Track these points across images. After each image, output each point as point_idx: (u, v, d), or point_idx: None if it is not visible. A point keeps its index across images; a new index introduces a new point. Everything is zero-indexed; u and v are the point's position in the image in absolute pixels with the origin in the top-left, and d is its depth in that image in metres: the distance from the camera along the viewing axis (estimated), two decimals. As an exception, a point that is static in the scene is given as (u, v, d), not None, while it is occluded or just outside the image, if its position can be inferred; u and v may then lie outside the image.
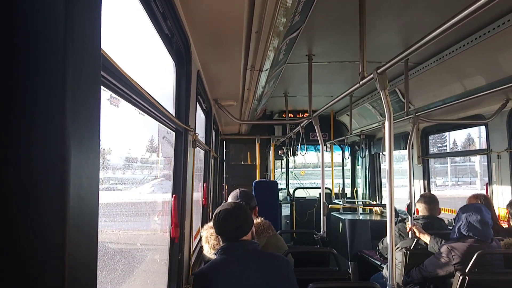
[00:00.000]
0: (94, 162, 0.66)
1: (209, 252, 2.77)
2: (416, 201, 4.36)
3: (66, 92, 0.56)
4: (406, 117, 4.56)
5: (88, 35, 0.63)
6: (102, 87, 0.91)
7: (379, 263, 5.20)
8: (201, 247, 2.95)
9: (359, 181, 9.05)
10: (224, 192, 7.96)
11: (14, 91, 0.54)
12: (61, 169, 0.56)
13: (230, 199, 3.06)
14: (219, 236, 2.48)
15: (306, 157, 9.10)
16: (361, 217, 6.64)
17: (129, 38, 1.74)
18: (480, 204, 3.34)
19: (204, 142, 4.11)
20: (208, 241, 2.80)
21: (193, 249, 3.04)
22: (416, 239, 3.76)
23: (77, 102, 0.59)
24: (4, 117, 0.53)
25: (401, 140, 6.45)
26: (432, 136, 6.16)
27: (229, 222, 2.35)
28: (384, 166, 7.78)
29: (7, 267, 0.53)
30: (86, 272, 0.64)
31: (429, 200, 4.17)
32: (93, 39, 0.66)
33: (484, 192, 4.58)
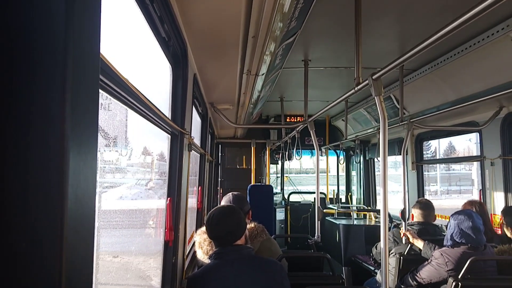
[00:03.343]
0: (91, 164, 0.67)
1: (202, 257, 2.75)
2: (411, 207, 4.38)
3: (65, 95, 0.57)
4: (400, 123, 4.59)
5: (87, 39, 0.64)
6: (100, 90, 0.91)
7: (372, 268, 5.21)
8: (195, 251, 2.95)
9: (354, 186, 9.09)
10: (219, 196, 7.95)
11: (14, 94, 0.55)
12: (60, 171, 0.56)
13: (223, 203, 3.05)
14: (212, 241, 2.46)
15: (289, 163, 9.15)
16: (355, 222, 6.66)
17: (127, 41, 1.74)
18: (470, 211, 3.36)
19: (199, 146, 4.11)
20: (201, 247, 2.78)
21: (187, 252, 3.04)
22: (410, 245, 3.77)
23: (76, 105, 0.59)
24: (4, 119, 0.54)
25: (395, 146, 6.49)
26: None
27: (221, 226, 2.32)
28: (379, 171, 7.81)
29: (5, 267, 0.53)
30: (83, 274, 0.64)
31: (424, 206, 4.18)
32: (93, 44, 0.67)
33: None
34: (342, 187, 9.26)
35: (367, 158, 8.08)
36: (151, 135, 2.32)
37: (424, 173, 6.13)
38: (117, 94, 1.16)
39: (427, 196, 6.09)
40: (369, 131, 6.64)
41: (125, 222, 1.92)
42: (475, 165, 4.85)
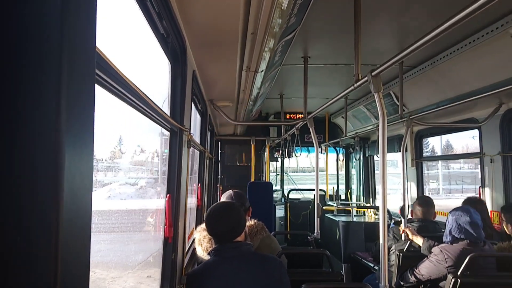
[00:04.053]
0: (87, 159, 0.66)
1: (202, 254, 2.75)
2: (412, 204, 4.38)
3: (60, 90, 0.56)
4: (400, 120, 4.59)
5: (83, 33, 0.64)
6: (97, 85, 0.91)
7: (372, 265, 5.22)
8: (195, 248, 2.95)
9: (353, 183, 9.09)
10: (218, 193, 7.95)
11: (8, 89, 0.54)
12: (55, 166, 0.56)
13: (223, 200, 3.05)
14: (212, 238, 2.45)
15: (288, 160, 9.16)
16: (355, 219, 6.67)
17: (125, 37, 1.74)
18: (468, 206, 3.36)
19: (199, 143, 4.11)
20: (201, 244, 2.78)
21: (186, 249, 3.04)
22: (409, 242, 3.78)
23: (71, 100, 0.59)
24: None
25: (395, 143, 6.49)
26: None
27: (222, 223, 2.31)
28: (378, 168, 7.81)
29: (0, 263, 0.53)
30: (79, 269, 0.64)
31: (424, 202, 4.18)
32: (88, 37, 0.67)
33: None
34: (342, 185, 9.26)
35: (366, 155, 8.09)
36: (142, 131, 2.26)
37: (427, 171, 6.14)
38: (114, 90, 1.15)
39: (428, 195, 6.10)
40: (368, 128, 6.64)
41: (109, 225, 1.72)
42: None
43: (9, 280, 0.54)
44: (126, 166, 2.15)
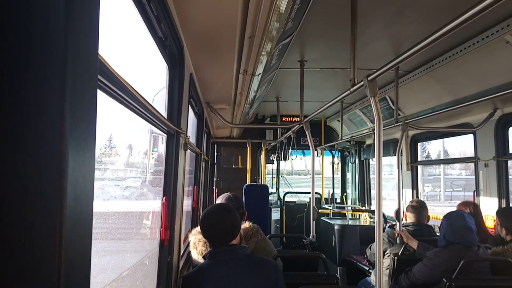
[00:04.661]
0: (90, 162, 0.67)
1: (197, 257, 2.75)
2: (406, 208, 4.40)
3: (65, 95, 0.58)
4: (395, 124, 4.61)
5: (86, 40, 0.65)
6: (98, 90, 0.92)
7: (367, 268, 5.23)
8: (190, 251, 2.95)
9: (349, 186, 9.11)
10: (214, 195, 7.95)
11: (14, 94, 0.55)
12: (59, 169, 0.57)
13: (219, 202, 3.05)
14: (207, 242, 2.44)
15: (284, 163, 9.19)
16: (350, 222, 6.67)
17: (124, 41, 1.75)
18: (462, 211, 3.39)
19: (195, 145, 4.11)
20: (196, 247, 2.77)
21: (182, 252, 3.04)
22: (404, 245, 3.80)
23: (75, 104, 0.60)
24: (4, 119, 0.54)
25: (390, 147, 6.52)
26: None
27: (218, 226, 2.30)
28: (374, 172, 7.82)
29: (4, 265, 0.54)
30: (81, 271, 0.65)
31: (417, 206, 4.21)
32: (92, 45, 0.68)
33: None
34: (337, 188, 9.28)
35: (362, 159, 8.12)
36: (131, 128, 2.20)
37: (428, 176, 6.18)
38: (114, 94, 1.17)
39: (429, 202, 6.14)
40: (364, 132, 6.67)
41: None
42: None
43: (14, 282, 0.54)
44: (114, 166, 2.08)
